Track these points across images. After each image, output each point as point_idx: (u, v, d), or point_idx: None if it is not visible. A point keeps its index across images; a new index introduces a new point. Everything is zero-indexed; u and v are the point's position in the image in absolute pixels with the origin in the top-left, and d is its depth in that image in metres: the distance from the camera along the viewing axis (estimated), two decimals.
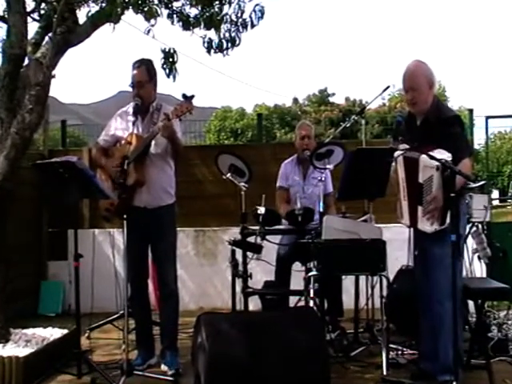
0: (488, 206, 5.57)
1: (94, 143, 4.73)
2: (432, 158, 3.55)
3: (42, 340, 4.58)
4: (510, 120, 10.27)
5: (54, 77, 5.34)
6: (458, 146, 3.74)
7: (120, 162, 4.14)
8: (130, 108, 4.53)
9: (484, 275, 5.78)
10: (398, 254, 4.98)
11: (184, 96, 4.11)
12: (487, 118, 7.21)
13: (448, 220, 3.59)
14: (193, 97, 4.10)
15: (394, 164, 4.10)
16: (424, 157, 3.67)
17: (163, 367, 4.39)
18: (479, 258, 5.38)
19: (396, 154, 3.92)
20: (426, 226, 3.76)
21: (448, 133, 3.81)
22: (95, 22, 5.82)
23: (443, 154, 3.61)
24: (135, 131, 4.36)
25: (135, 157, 4.27)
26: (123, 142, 4.44)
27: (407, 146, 3.88)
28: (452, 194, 3.47)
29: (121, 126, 4.52)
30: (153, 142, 4.35)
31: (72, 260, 4.18)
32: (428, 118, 3.98)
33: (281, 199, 5.34)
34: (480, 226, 5.41)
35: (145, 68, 4.46)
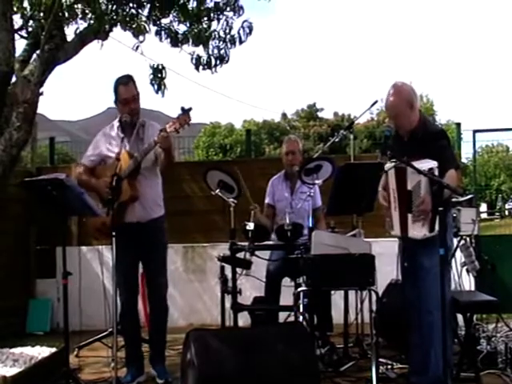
0: (476, 219, 5.60)
1: (77, 164, 4.66)
2: (418, 170, 3.59)
3: (30, 359, 4.53)
4: (498, 134, 10.32)
5: (41, 94, 5.35)
6: (444, 157, 3.82)
7: (111, 180, 4.15)
8: (114, 126, 4.54)
9: (472, 288, 5.80)
10: (387, 269, 4.98)
11: (182, 109, 4.14)
12: (475, 131, 7.27)
13: (437, 228, 3.61)
14: (190, 109, 4.14)
15: (382, 179, 4.14)
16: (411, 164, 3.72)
17: (152, 372, 4.49)
18: (468, 271, 5.40)
19: (386, 167, 3.96)
20: (416, 232, 3.81)
21: (434, 146, 3.90)
22: (83, 38, 5.85)
23: (429, 163, 3.69)
24: (124, 148, 4.37)
25: (129, 172, 4.29)
26: (110, 160, 4.43)
27: (395, 162, 3.90)
28: (440, 204, 3.51)
29: (106, 145, 4.52)
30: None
31: (60, 277, 4.15)
32: (415, 134, 4.05)
33: (267, 217, 5.35)
34: (468, 239, 5.44)
35: (133, 83, 4.49)
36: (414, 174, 3.70)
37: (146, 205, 4.44)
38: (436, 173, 3.63)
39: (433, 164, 3.66)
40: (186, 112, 4.13)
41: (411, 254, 4.04)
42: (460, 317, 4.46)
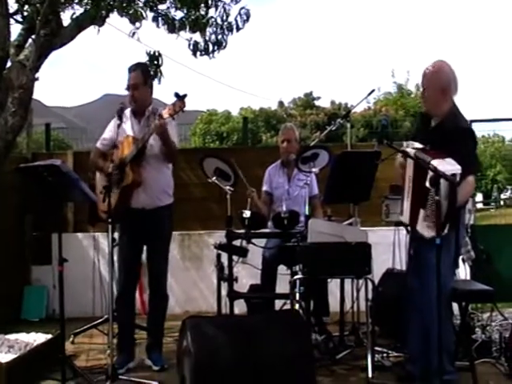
0: (472, 209, 5.62)
1: (94, 148, 4.73)
2: (438, 175, 3.47)
3: (26, 345, 4.52)
4: (494, 124, 10.33)
5: (37, 79, 5.32)
6: (466, 161, 3.64)
7: (117, 164, 4.21)
8: (126, 112, 4.57)
9: (468, 277, 5.82)
10: (383, 258, 5.00)
11: (176, 95, 4.13)
12: (471, 121, 7.23)
13: (446, 230, 3.56)
14: (185, 96, 4.13)
15: (399, 159, 4.04)
16: (435, 162, 3.53)
17: (147, 362, 4.53)
18: (463, 260, 5.41)
19: (409, 150, 3.79)
20: (425, 230, 3.71)
21: (460, 146, 3.73)
22: (80, 24, 5.81)
23: (453, 166, 3.53)
24: (131, 134, 4.44)
25: (131, 157, 4.33)
26: (121, 145, 4.49)
27: (420, 146, 3.81)
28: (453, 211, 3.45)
29: (117, 130, 4.53)
30: (149, 143, 4.38)
31: (56, 264, 4.15)
32: (443, 123, 3.93)
33: (265, 203, 5.36)
34: (464, 229, 5.44)
35: (140, 71, 4.55)
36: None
37: (151, 192, 4.46)
38: (458, 179, 3.49)
39: (457, 169, 3.50)
40: (180, 98, 4.12)
41: (418, 245, 4.02)
42: (455, 306, 4.47)
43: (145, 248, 4.63)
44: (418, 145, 3.83)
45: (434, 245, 3.55)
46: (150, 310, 4.69)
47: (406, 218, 3.94)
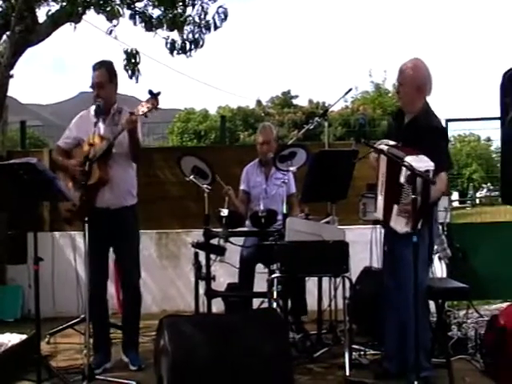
0: (448, 207, 5.67)
1: (55, 145, 4.67)
2: (414, 173, 3.52)
3: (0, 346, 4.47)
4: (470, 123, 10.46)
5: (12, 77, 5.26)
6: (439, 158, 3.70)
7: (82, 162, 4.11)
8: (91, 110, 4.52)
9: (444, 275, 5.87)
10: (361, 256, 5.02)
11: (150, 92, 4.10)
12: (447, 121, 7.31)
13: (419, 226, 3.59)
14: (159, 93, 4.11)
15: (373, 154, 4.07)
16: (409, 159, 3.60)
17: (125, 359, 4.51)
18: (440, 258, 5.46)
19: (382, 147, 3.84)
20: (399, 226, 3.76)
21: (432, 143, 3.79)
22: (56, 21, 5.76)
23: (427, 162, 3.58)
24: (97, 132, 4.35)
25: (99, 156, 4.26)
26: (85, 143, 4.41)
27: (392, 143, 3.86)
28: (427, 206, 3.49)
29: (82, 128, 4.49)
30: (116, 142, 4.33)
31: (31, 264, 4.10)
32: (416, 121, 3.98)
33: (242, 202, 5.36)
34: (440, 227, 5.50)
35: (105, 69, 4.47)
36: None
37: (116, 191, 4.42)
38: (431, 175, 3.55)
39: (430, 166, 3.56)
40: (154, 96, 4.09)
41: (393, 242, 4.05)
42: (432, 303, 4.51)
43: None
44: (391, 142, 3.88)
45: (409, 241, 3.60)
46: (124, 309, 4.67)
47: (379, 214, 3.98)
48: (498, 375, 4.01)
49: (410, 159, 3.57)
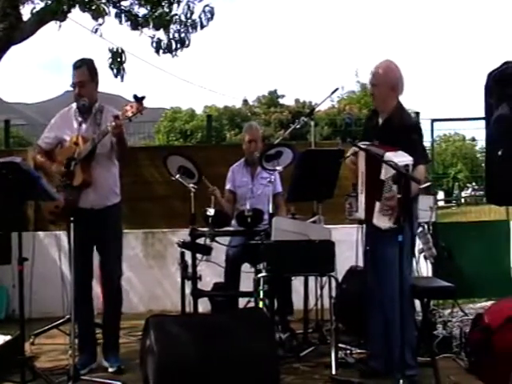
0: (433, 206, 5.70)
1: (35, 145, 4.62)
2: (394, 167, 3.58)
3: None
4: (455, 123, 10.55)
5: None
6: (415, 152, 3.80)
7: (66, 163, 4.08)
8: (72, 109, 4.48)
9: (430, 274, 5.90)
10: (347, 255, 5.02)
11: (135, 97, 4.07)
12: (433, 121, 7.36)
13: (402, 221, 3.62)
14: (144, 98, 4.07)
15: (351, 157, 4.15)
16: (388, 154, 3.70)
17: (105, 363, 4.44)
18: (425, 257, 5.48)
19: (360, 145, 3.91)
20: (382, 221, 3.81)
21: (407, 139, 3.90)
22: (40, 19, 5.72)
23: (406, 157, 3.66)
24: (76, 132, 4.32)
25: (82, 158, 4.22)
26: (67, 143, 4.39)
27: (369, 143, 3.93)
28: (408, 200, 3.53)
29: (63, 127, 4.45)
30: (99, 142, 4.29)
31: (16, 264, 4.06)
32: (390, 120, 4.08)
33: (228, 202, 5.35)
34: (426, 226, 5.53)
35: (86, 68, 4.42)
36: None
37: (100, 191, 4.39)
38: (411, 169, 3.62)
39: (408, 160, 3.64)
40: (139, 100, 4.06)
41: (375, 241, 4.08)
42: (417, 302, 4.53)
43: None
44: (367, 143, 3.95)
45: (390, 239, 3.63)
46: (104, 309, 4.61)
47: (361, 213, 4.02)
48: (483, 373, 4.03)
49: (389, 155, 3.67)
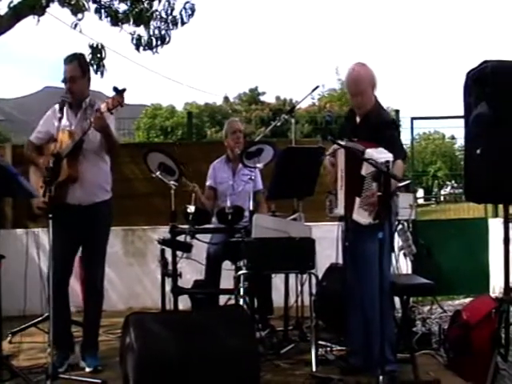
0: (413, 204, 5.74)
1: (27, 141, 4.59)
2: (374, 165, 3.61)
3: None
4: (434, 122, 10.65)
5: None
6: (394, 148, 3.85)
7: (51, 159, 4.05)
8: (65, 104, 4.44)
9: (409, 271, 5.95)
10: (327, 252, 5.05)
11: (115, 89, 4.03)
12: (412, 119, 7.41)
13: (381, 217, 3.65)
14: (124, 90, 4.03)
15: (328, 158, 4.20)
16: (369, 151, 3.75)
17: (82, 364, 4.39)
18: (405, 255, 5.53)
19: (340, 143, 3.95)
20: (362, 217, 3.84)
21: (385, 135, 3.96)
22: (18, 13, 5.65)
23: (386, 154, 3.70)
24: (68, 127, 4.30)
25: (68, 152, 4.20)
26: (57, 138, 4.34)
27: (346, 142, 3.96)
28: (388, 196, 3.57)
29: (53, 124, 4.40)
30: (87, 137, 4.25)
31: None
32: (368, 117, 4.12)
33: (208, 198, 5.35)
34: (405, 223, 5.56)
35: (77, 63, 4.38)
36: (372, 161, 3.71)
37: (87, 187, 4.34)
38: (391, 165, 3.63)
39: (389, 156, 3.66)
40: (119, 92, 4.02)
41: (354, 237, 4.10)
42: (397, 299, 4.56)
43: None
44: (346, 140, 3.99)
45: (369, 236, 3.66)
46: (85, 309, 4.57)
47: (341, 209, 4.06)
48: (461, 369, 4.07)
49: (370, 151, 3.72)
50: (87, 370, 4.34)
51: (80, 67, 4.38)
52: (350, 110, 4.36)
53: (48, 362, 3.89)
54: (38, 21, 5.82)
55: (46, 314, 4.90)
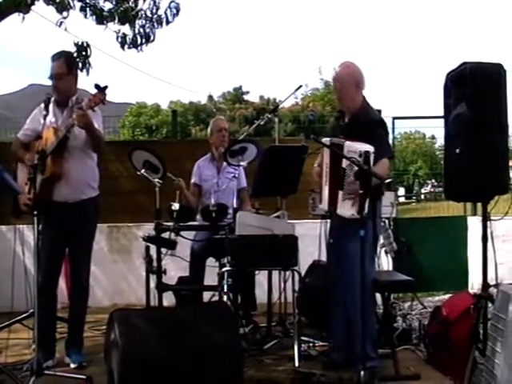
0: (394, 202, 5.81)
1: (15, 138, 4.58)
2: (356, 164, 3.67)
3: None
4: (415, 121, 10.74)
5: None
6: (380, 146, 3.91)
7: (33, 157, 4.06)
8: (51, 101, 4.43)
9: (390, 268, 6.02)
10: (310, 250, 5.10)
11: (97, 86, 4.04)
12: (394, 118, 7.49)
13: (365, 211, 3.69)
14: (106, 87, 4.03)
15: (316, 166, 4.28)
16: (348, 142, 3.83)
17: (67, 360, 4.42)
18: (386, 252, 5.60)
19: (324, 140, 4.01)
20: (345, 210, 3.88)
21: (373, 133, 4.00)
22: (3, 11, 5.65)
23: (365, 144, 3.76)
24: (54, 125, 4.30)
25: (52, 149, 4.20)
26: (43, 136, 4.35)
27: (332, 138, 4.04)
28: (369, 188, 3.63)
29: (41, 120, 4.41)
30: (72, 134, 4.26)
31: None
32: (356, 117, 4.17)
33: (193, 195, 5.39)
34: (387, 221, 5.64)
35: (64, 60, 4.39)
36: (351, 152, 3.77)
37: (73, 185, 4.35)
38: (372, 157, 3.70)
39: (369, 147, 3.73)
40: (101, 89, 4.03)
41: (337, 234, 4.16)
42: (378, 296, 4.63)
43: None
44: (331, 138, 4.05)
45: (353, 234, 3.71)
46: (70, 305, 4.58)
47: (325, 204, 4.11)
48: (441, 364, 4.14)
49: (349, 143, 3.81)
50: (72, 366, 4.36)
51: (66, 64, 4.38)
52: (339, 110, 4.41)
53: (33, 359, 3.90)
54: (23, 18, 5.82)
55: (31, 311, 4.90)
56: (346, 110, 4.29)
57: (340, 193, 3.90)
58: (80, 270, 4.50)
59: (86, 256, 4.52)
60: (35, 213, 3.93)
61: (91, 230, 4.56)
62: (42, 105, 4.43)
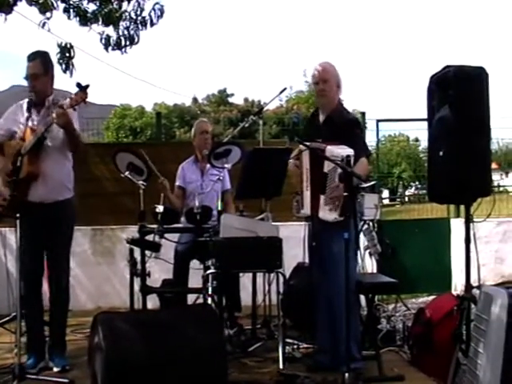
0: (378, 204, 5.83)
1: None
2: (338, 165, 3.69)
3: None
4: (400, 124, 10.83)
5: None
6: (358, 146, 3.97)
7: (14, 158, 4.01)
8: (25, 103, 4.39)
9: (374, 270, 6.04)
10: (294, 252, 5.10)
11: (78, 85, 4.01)
12: (378, 121, 7.54)
13: (347, 214, 3.72)
14: (87, 86, 4.00)
15: (292, 161, 4.31)
16: (330, 148, 3.84)
17: (50, 363, 4.37)
18: (370, 254, 5.62)
19: (301, 148, 4.05)
20: (328, 214, 3.91)
21: (349, 133, 4.05)
22: None
23: (346, 149, 3.79)
24: (30, 125, 4.24)
25: (29, 149, 4.15)
26: (18, 137, 4.30)
27: (311, 143, 4.03)
28: (351, 190, 3.65)
29: (16, 121, 4.37)
30: (50, 134, 4.23)
31: None
32: (331, 117, 4.21)
33: (177, 197, 5.38)
34: (371, 223, 5.65)
35: (40, 60, 4.35)
36: (333, 157, 3.79)
37: (50, 185, 4.30)
38: (352, 160, 3.73)
39: (350, 151, 3.76)
40: (82, 89, 4.00)
41: (320, 236, 4.17)
42: (362, 297, 4.64)
43: None
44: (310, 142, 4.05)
45: (336, 235, 3.73)
46: (51, 308, 4.51)
47: (307, 209, 4.13)
48: (424, 365, 4.16)
49: (331, 148, 3.82)
50: (55, 369, 4.32)
51: (42, 65, 4.35)
52: (315, 110, 4.45)
53: (15, 363, 3.87)
54: (6, 19, 5.78)
55: (14, 314, 4.86)
56: (322, 108, 4.32)
57: (322, 197, 3.93)
58: (59, 272, 4.44)
59: (64, 258, 4.47)
60: (17, 215, 3.91)
61: (68, 231, 4.50)
62: (20, 103, 4.40)
